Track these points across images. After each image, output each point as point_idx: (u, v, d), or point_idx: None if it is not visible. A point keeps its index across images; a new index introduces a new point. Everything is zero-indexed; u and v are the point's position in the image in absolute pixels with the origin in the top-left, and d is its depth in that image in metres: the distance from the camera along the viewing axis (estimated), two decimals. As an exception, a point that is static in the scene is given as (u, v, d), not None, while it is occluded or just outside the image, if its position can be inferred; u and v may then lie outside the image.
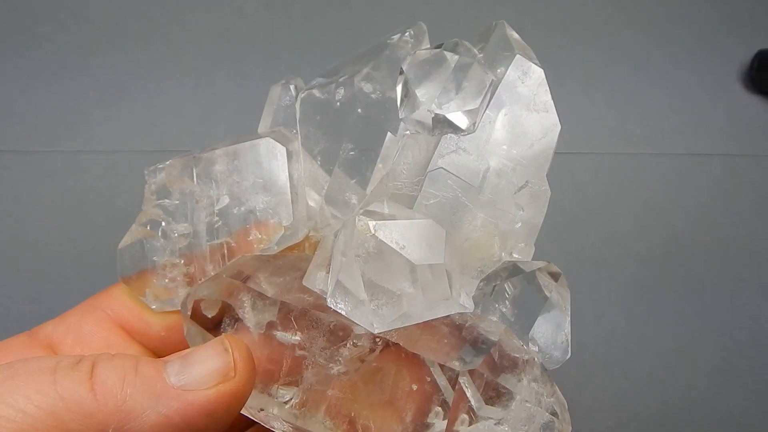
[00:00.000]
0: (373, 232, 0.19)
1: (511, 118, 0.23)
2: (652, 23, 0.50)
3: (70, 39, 0.47)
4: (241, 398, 0.20)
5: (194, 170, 0.24)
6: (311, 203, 0.24)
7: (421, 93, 0.21)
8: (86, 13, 0.48)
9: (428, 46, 0.23)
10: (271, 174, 0.23)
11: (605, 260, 0.45)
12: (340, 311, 0.19)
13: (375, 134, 0.23)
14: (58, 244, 0.43)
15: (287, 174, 0.23)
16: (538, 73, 0.23)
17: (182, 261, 0.24)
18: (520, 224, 0.23)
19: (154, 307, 0.24)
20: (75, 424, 0.17)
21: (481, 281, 0.23)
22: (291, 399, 0.22)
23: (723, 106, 0.48)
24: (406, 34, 0.24)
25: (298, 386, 0.22)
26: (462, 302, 0.20)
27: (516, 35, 0.24)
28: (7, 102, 0.46)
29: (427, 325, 0.20)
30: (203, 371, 0.19)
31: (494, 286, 0.23)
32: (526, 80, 0.23)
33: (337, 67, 0.25)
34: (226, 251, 0.24)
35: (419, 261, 0.19)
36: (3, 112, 0.45)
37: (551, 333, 0.23)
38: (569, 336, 0.23)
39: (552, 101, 0.23)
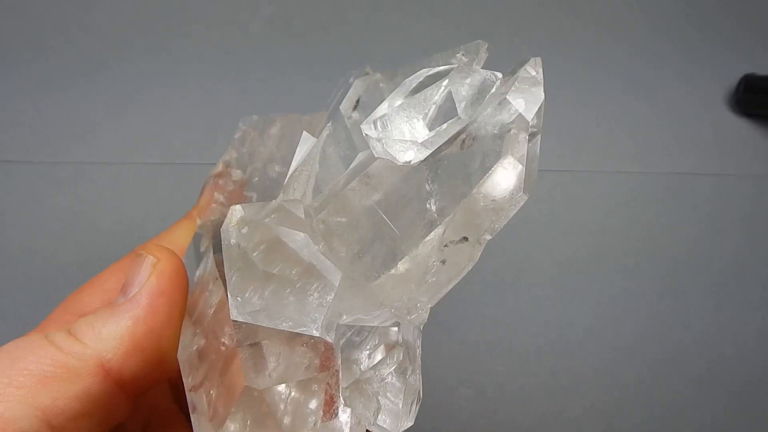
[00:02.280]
0: (235, 224, 0.19)
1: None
2: (643, 45, 0.52)
3: (78, 52, 0.48)
4: (176, 274, 0.21)
5: (274, 125, 0.26)
6: None
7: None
8: (94, 27, 0.49)
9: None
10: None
11: (594, 273, 0.46)
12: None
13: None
14: (65, 253, 0.44)
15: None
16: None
17: (224, 200, 0.26)
18: (434, 279, 0.21)
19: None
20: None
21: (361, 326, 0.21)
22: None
23: (709, 127, 0.50)
24: (459, 53, 0.23)
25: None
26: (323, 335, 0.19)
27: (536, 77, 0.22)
28: (15, 113, 0.47)
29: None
30: (135, 274, 0.21)
31: (362, 338, 0.20)
32: (519, 135, 0.20)
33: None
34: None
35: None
36: (12, 123, 0.47)
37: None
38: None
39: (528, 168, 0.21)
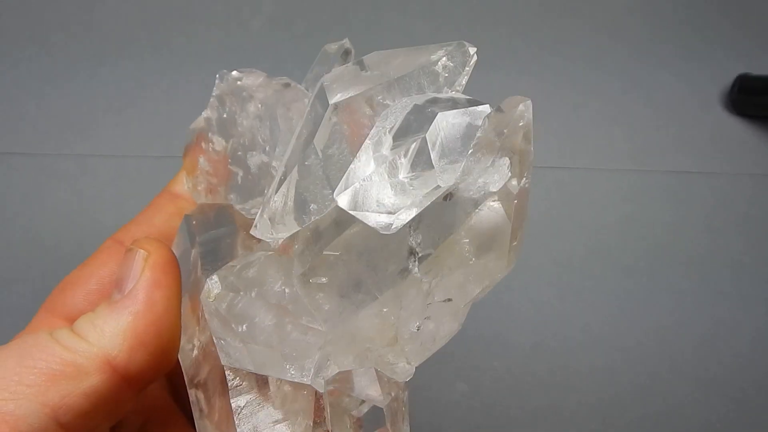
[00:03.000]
0: (213, 297, 0.20)
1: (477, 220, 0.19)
2: (639, 45, 0.52)
3: (81, 47, 0.49)
4: (169, 265, 0.22)
5: (251, 102, 0.24)
6: None
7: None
8: (97, 23, 0.49)
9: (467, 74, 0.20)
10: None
11: (591, 270, 0.46)
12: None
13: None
14: (67, 245, 0.44)
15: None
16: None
17: (211, 170, 0.25)
18: (419, 343, 0.20)
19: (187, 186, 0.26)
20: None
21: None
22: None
23: (705, 127, 0.51)
24: (443, 58, 0.20)
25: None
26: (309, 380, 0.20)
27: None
28: (19, 106, 0.47)
29: None
30: (128, 270, 0.21)
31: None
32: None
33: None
34: (240, 181, 0.25)
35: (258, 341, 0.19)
36: (15, 116, 0.47)
37: None
38: None
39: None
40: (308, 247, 0.19)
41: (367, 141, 0.18)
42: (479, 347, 0.44)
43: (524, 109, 0.18)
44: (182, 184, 0.27)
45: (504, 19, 0.52)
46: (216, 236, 0.23)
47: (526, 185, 0.19)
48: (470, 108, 0.18)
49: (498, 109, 0.18)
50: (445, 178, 0.17)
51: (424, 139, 0.17)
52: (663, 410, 0.44)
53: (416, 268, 0.19)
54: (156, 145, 0.47)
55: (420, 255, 0.19)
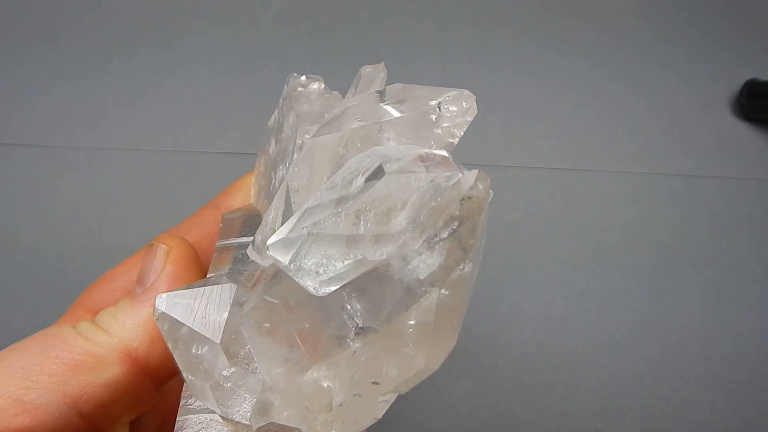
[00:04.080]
0: (156, 316, 0.19)
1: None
2: (647, 47, 0.52)
3: (92, 41, 0.49)
4: (190, 260, 0.22)
5: (292, 112, 0.23)
6: None
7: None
8: (108, 18, 0.50)
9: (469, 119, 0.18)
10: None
11: (595, 270, 0.47)
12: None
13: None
14: (75, 237, 0.44)
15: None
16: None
17: (263, 170, 0.25)
18: (342, 421, 0.19)
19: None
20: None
21: None
22: None
23: (711, 131, 0.51)
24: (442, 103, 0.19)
25: None
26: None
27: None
28: (29, 98, 0.47)
29: None
30: (149, 264, 0.22)
31: None
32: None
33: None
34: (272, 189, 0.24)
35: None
36: (25, 108, 0.47)
37: None
38: None
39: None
40: (264, 286, 0.19)
41: (324, 186, 0.17)
42: (484, 346, 0.44)
43: (483, 187, 0.16)
44: (228, 198, 0.27)
45: (509, 19, 0.53)
46: (241, 243, 0.23)
47: (467, 272, 0.17)
48: (428, 175, 0.16)
49: (454, 184, 0.16)
50: (376, 251, 0.16)
51: (368, 202, 0.16)
52: (667, 410, 0.44)
53: (355, 341, 0.17)
54: (165, 140, 0.47)
55: (362, 326, 0.17)
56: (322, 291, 0.16)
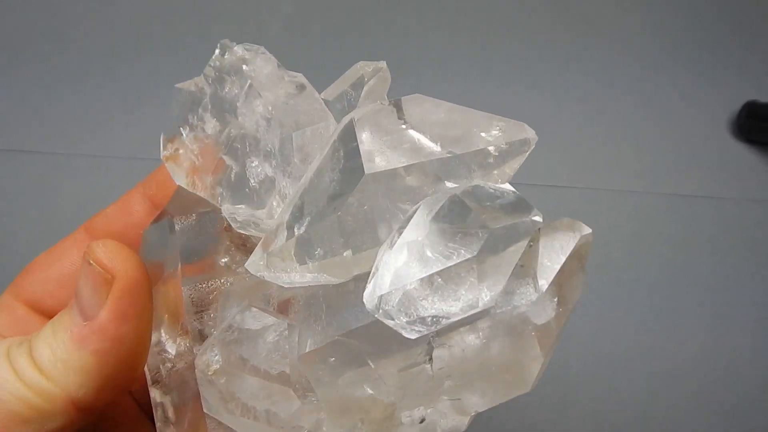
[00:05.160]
0: (212, 372, 0.18)
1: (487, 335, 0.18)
2: (650, 66, 0.53)
3: (96, 47, 0.49)
4: (136, 298, 0.19)
5: (259, 99, 0.21)
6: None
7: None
8: (112, 24, 0.50)
9: None
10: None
11: (594, 287, 0.47)
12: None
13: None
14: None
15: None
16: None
17: (197, 150, 0.22)
18: (413, 428, 0.19)
19: (162, 153, 0.23)
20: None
21: None
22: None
23: (711, 151, 0.51)
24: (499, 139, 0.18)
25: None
26: None
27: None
28: (32, 104, 0.47)
29: None
30: (90, 293, 0.19)
31: None
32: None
33: None
34: (225, 177, 0.22)
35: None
36: (28, 114, 0.47)
37: None
38: None
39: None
40: (321, 322, 0.18)
41: (404, 228, 0.17)
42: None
43: (586, 236, 0.17)
44: (159, 179, 0.25)
45: (517, 33, 0.53)
46: (196, 246, 0.22)
47: (563, 312, 0.18)
48: (523, 221, 0.16)
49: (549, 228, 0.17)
50: (484, 298, 0.16)
51: (472, 252, 0.16)
52: (662, 428, 0.44)
53: (429, 365, 0.18)
54: (168, 148, 0.47)
55: (435, 346, 0.18)
56: (416, 333, 0.16)
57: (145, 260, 0.21)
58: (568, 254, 0.18)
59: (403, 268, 0.16)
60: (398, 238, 0.16)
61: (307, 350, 0.18)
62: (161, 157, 0.22)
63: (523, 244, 0.17)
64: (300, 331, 0.19)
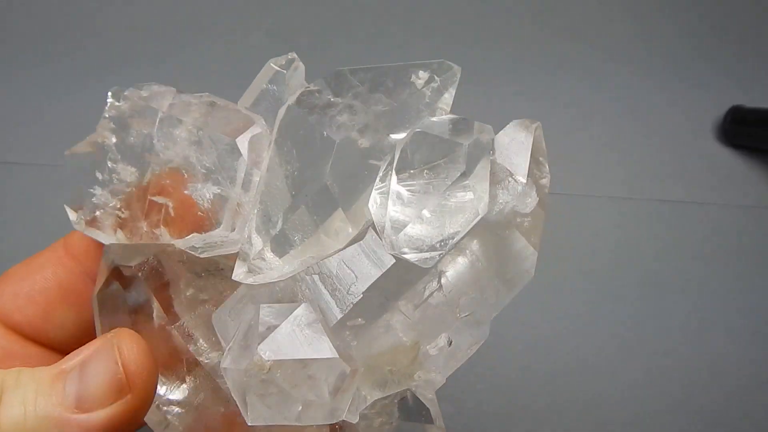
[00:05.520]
0: (267, 369, 0.18)
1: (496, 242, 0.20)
2: (637, 70, 0.53)
3: (81, 57, 0.49)
4: (138, 415, 0.19)
5: (181, 126, 0.21)
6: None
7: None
8: (97, 33, 0.50)
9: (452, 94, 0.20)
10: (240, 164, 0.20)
11: (579, 295, 0.47)
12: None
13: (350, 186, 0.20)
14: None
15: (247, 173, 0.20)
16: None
17: (118, 204, 0.21)
18: (441, 354, 0.22)
19: (77, 227, 0.22)
20: None
21: (377, 400, 0.22)
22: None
23: (697, 156, 0.51)
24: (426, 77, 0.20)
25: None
26: (347, 417, 0.20)
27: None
28: (18, 115, 0.48)
29: None
30: (97, 387, 0.18)
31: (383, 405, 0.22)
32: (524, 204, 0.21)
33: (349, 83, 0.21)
34: (163, 215, 0.21)
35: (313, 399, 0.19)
36: (14, 125, 0.48)
37: None
38: None
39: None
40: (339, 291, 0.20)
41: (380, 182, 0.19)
42: (465, 369, 0.44)
43: (538, 127, 0.21)
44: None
45: (503, 40, 0.53)
46: (158, 291, 0.21)
47: (542, 200, 0.21)
48: (476, 131, 0.19)
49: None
50: (481, 206, 0.18)
51: (458, 172, 0.18)
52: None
53: (441, 291, 0.20)
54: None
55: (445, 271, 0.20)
56: (431, 261, 0.18)
57: (111, 322, 0.21)
58: (530, 148, 0.20)
59: (395, 215, 0.18)
60: (377, 194, 0.18)
61: (338, 318, 0.19)
62: (74, 227, 0.22)
63: (487, 157, 0.19)
64: (321, 306, 0.20)
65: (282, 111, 0.19)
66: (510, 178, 0.20)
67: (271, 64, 0.23)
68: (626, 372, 0.45)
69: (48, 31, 0.50)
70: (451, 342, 0.21)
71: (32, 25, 0.50)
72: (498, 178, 0.20)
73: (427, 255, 0.18)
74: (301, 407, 0.19)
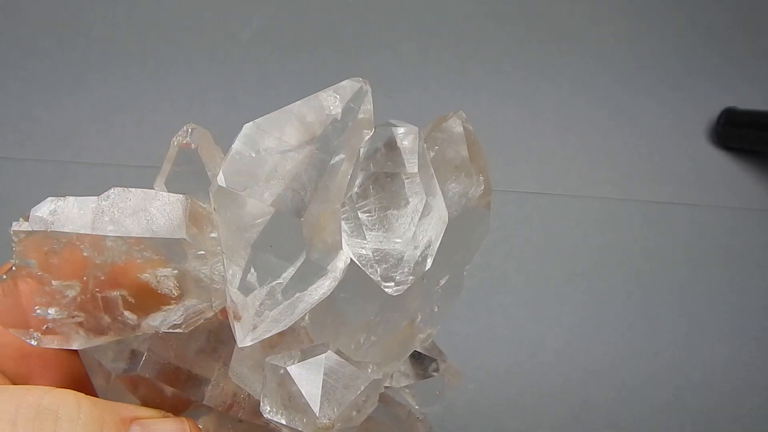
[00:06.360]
0: (333, 426, 0.19)
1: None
2: (627, 73, 0.53)
3: (67, 54, 0.49)
4: None
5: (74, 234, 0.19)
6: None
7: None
8: (85, 30, 0.49)
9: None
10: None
11: (568, 295, 0.47)
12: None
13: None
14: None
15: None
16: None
17: (71, 312, 0.20)
18: (432, 317, 0.23)
19: (33, 343, 0.20)
20: None
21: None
22: None
23: (689, 158, 0.51)
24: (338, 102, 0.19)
25: None
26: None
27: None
28: (1, 111, 0.47)
29: None
30: None
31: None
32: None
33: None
34: (122, 303, 0.20)
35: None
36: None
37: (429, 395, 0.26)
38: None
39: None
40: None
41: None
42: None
43: (462, 116, 0.20)
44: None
45: (491, 43, 0.53)
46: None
47: (483, 165, 0.21)
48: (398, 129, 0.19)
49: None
50: (442, 211, 0.19)
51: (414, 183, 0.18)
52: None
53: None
54: (138, 155, 0.47)
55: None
56: (400, 288, 0.19)
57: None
58: (464, 140, 0.20)
59: (372, 244, 0.19)
60: (346, 228, 0.19)
61: (350, 320, 0.20)
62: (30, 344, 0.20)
63: (424, 157, 0.19)
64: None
65: (213, 185, 0.18)
66: (456, 170, 0.21)
67: (173, 143, 0.22)
68: (613, 374, 0.45)
69: (26, 26, 0.49)
70: (438, 307, 0.22)
71: (11, 26, 0.49)
72: (444, 172, 0.20)
73: (419, 267, 0.19)
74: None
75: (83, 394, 0.18)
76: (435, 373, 0.26)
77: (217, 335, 0.22)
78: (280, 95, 0.49)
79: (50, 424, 0.16)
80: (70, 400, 0.17)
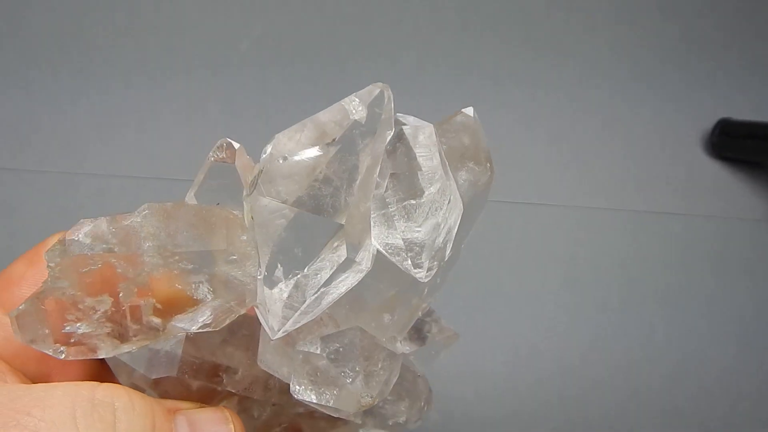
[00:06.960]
0: (375, 399, 0.21)
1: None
2: (621, 83, 0.53)
3: (68, 63, 0.49)
4: None
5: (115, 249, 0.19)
6: None
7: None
8: (86, 40, 0.50)
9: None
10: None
11: (563, 304, 0.47)
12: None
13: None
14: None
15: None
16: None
17: (99, 324, 0.20)
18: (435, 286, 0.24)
19: (60, 356, 0.19)
20: None
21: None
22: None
23: (683, 168, 0.51)
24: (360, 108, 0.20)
25: None
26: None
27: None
28: (2, 120, 0.47)
29: None
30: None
31: None
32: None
33: None
34: (149, 310, 0.20)
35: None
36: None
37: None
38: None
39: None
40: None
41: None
42: (451, 377, 0.44)
43: (470, 113, 0.23)
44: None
45: (488, 52, 0.53)
46: None
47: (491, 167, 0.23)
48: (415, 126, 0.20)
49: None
50: (453, 193, 0.20)
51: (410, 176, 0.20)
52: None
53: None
54: (138, 165, 0.47)
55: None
56: (428, 274, 0.20)
57: None
58: (473, 131, 0.22)
59: (403, 233, 0.20)
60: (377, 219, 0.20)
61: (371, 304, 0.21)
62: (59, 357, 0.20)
63: (436, 149, 0.20)
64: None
65: (245, 201, 0.20)
66: (466, 161, 0.22)
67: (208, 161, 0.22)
68: (609, 381, 0.46)
69: (26, 35, 0.49)
70: (440, 278, 0.23)
71: (9, 31, 0.49)
72: (455, 162, 0.22)
73: (439, 255, 0.20)
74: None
75: (129, 388, 0.18)
76: (429, 334, 0.27)
77: (237, 322, 0.22)
78: (280, 104, 0.49)
79: (109, 416, 0.17)
80: (121, 392, 0.18)
